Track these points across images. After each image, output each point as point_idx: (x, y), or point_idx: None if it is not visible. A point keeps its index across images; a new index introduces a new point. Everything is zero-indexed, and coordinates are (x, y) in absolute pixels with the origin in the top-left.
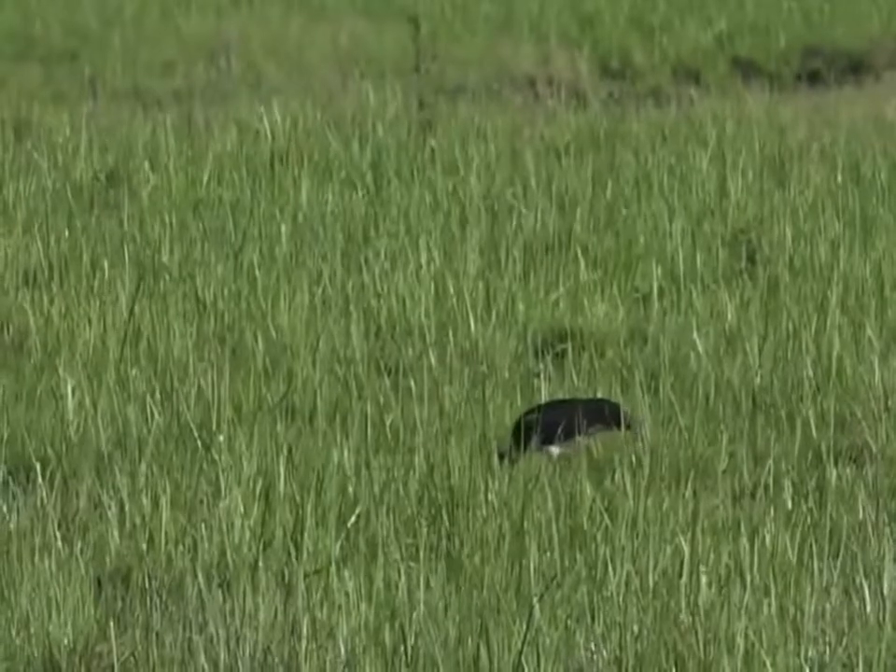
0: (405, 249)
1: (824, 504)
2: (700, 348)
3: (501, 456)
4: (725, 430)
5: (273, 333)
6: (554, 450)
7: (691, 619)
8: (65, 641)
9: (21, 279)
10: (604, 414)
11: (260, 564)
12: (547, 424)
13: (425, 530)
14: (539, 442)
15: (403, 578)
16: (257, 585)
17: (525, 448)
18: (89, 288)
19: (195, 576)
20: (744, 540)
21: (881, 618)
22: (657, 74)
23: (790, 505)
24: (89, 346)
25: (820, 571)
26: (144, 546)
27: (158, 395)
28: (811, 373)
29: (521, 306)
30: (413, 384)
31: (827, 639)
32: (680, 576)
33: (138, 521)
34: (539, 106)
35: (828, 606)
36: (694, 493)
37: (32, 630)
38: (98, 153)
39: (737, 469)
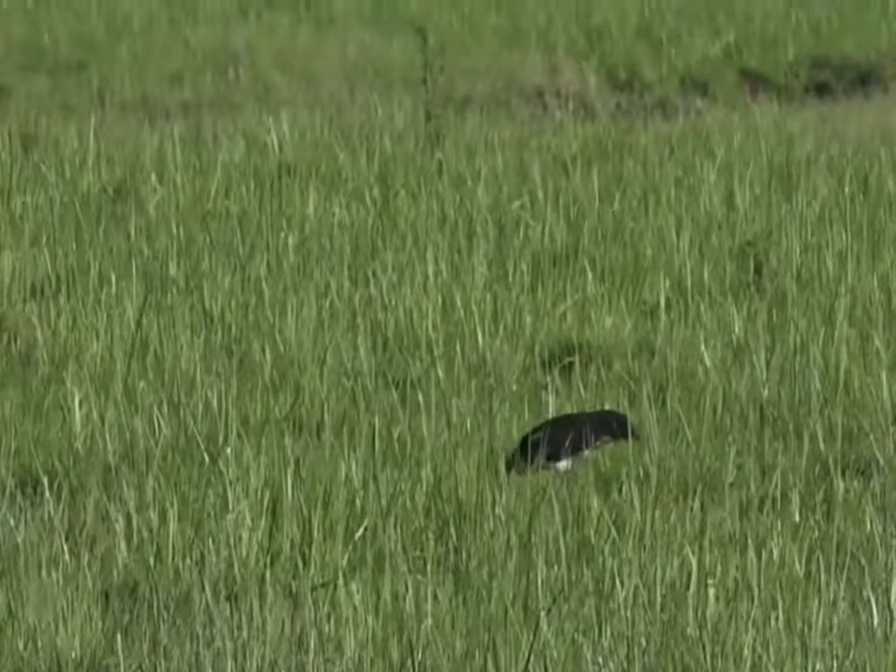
0: (412, 262)
1: (832, 517)
2: (707, 361)
3: (508, 467)
4: (733, 443)
5: (281, 346)
6: (561, 465)
7: (698, 632)
8: (72, 654)
9: (28, 291)
10: (611, 426)
11: (268, 577)
12: (553, 439)
13: (432, 543)
14: (545, 459)
15: (410, 591)
16: (264, 598)
17: (531, 463)
18: (96, 301)
19: (202, 589)
20: (751, 553)
21: (888, 631)
22: (665, 85)
23: (797, 518)
24: (96, 359)
25: (828, 584)
26: (151, 559)
27: (165, 407)
28: (819, 386)
29: (528, 319)
30: (420, 396)
31: (834, 652)
32: (688, 589)
33: (145, 534)
34: (547, 118)
35: (835, 619)
36: (702, 506)
37: (39, 643)
38: (106, 165)
39: (745, 481)
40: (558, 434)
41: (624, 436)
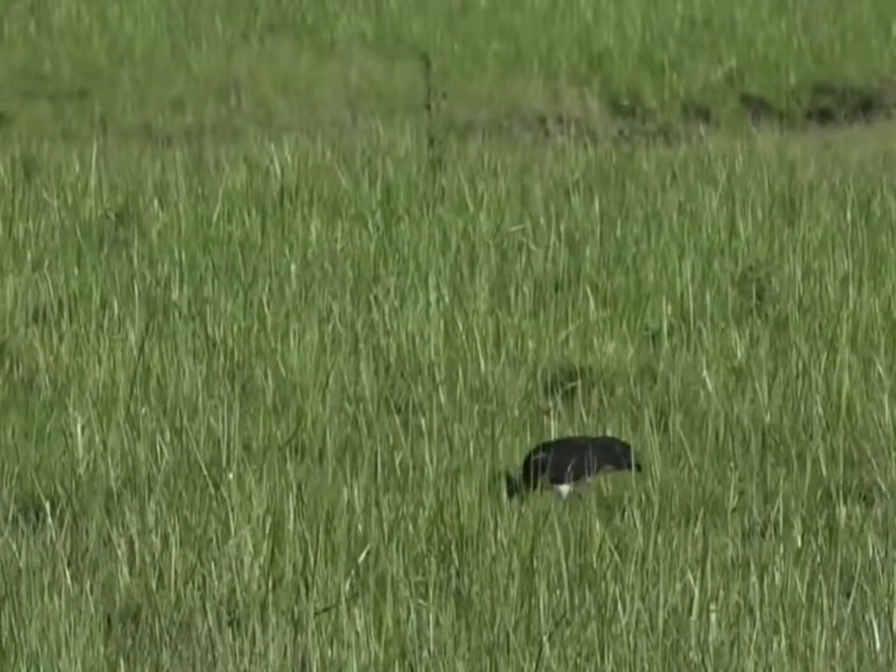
0: (415, 287)
1: (834, 542)
2: (710, 386)
3: (510, 493)
4: (735, 468)
5: (283, 371)
6: (564, 489)
7: (700, 657)
8: None
9: (30, 317)
10: (614, 454)
11: (270, 602)
12: (556, 463)
13: (434, 568)
14: (549, 481)
15: (413, 615)
16: (266, 623)
17: (534, 486)
18: (98, 326)
19: (205, 614)
20: (754, 578)
21: (891, 655)
22: (667, 111)
23: (799, 543)
24: (98, 384)
25: (830, 609)
26: (153, 584)
27: (167, 433)
28: (821, 411)
29: (530, 344)
30: (422, 421)
31: None
32: (690, 613)
33: (148, 559)
34: (549, 144)
35: (838, 644)
36: (704, 531)
37: (41, 669)
38: (108, 191)
39: (747, 506)
40: (562, 457)
41: (627, 466)
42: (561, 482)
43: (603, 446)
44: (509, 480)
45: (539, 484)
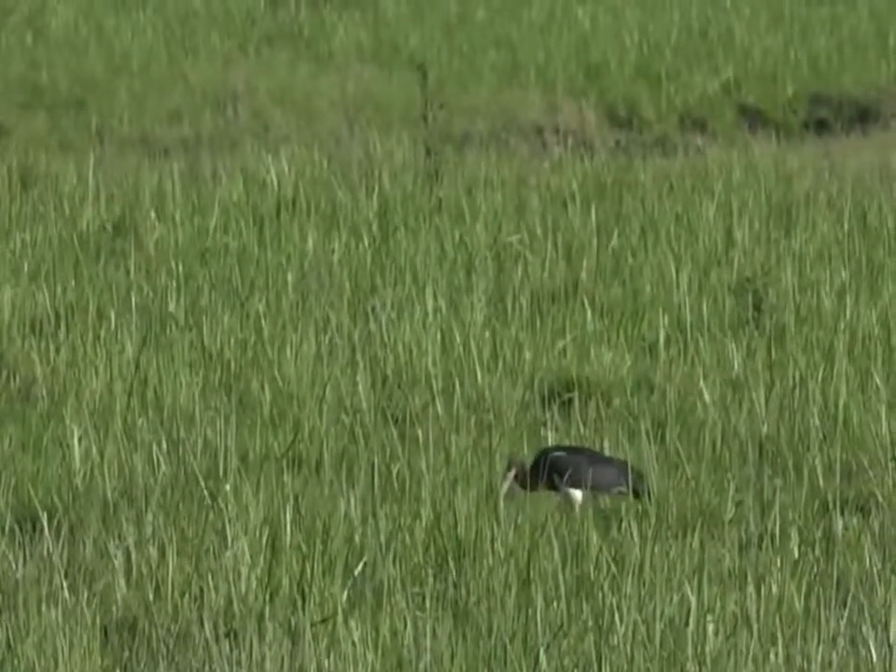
0: (412, 298)
1: (831, 553)
2: (706, 397)
3: (523, 482)
4: (732, 479)
5: (280, 382)
6: (578, 495)
7: (697, 668)
8: None
9: (27, 328)
10: (630, 478)
11: (267, 613)
12: (575, 468)
13: (431, 579)
14: (565, 484)
15: (410, 627)
16: (263, 634)
17: (539, 482)
18: (95, 337)
19: (202, 625)
20: (751, 589)
21: (887, 666)
22: (664, 122)
23: (796, 554)
24: (95, 395)
25: (827, 620)
26: (150, 595)
27: (164, 444)
28: (818, 422)
29: (527, 355)
30: (419, 433)
31: None
32: (687, 625)
33: (145, 570)
34: (546, 155)
35: (835, 655)
36: (701, 542)
37: None
38: (105, 202)
39: (744, 517)
40: (581, 464)
41: (637, 493)
42: (577, 487)
43: (621, 468)
44: (515, 474)
45: (545, 482)
